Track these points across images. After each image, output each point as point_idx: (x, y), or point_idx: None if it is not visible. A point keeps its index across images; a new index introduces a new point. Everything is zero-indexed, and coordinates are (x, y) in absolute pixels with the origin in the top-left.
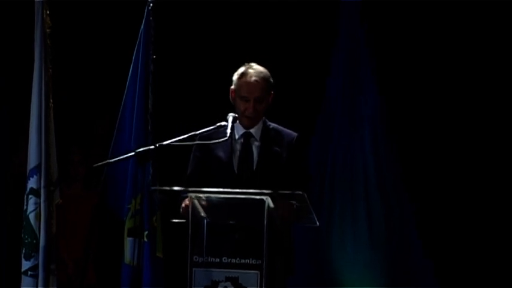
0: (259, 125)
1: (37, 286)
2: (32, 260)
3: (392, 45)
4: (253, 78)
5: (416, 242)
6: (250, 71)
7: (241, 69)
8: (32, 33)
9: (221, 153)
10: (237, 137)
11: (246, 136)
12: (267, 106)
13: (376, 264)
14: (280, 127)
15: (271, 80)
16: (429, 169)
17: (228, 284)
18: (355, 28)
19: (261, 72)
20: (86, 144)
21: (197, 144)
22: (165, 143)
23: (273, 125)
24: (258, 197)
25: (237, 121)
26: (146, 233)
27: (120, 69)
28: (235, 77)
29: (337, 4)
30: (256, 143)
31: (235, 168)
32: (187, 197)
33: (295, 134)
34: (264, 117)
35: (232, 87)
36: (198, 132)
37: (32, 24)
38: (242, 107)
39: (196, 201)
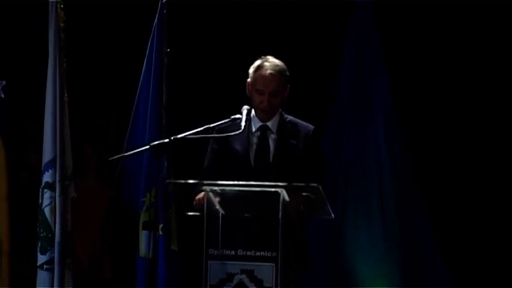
0: (276, 118)
1: (53, 280)
2: (47, 254)
3: (404, 40)
4: (269, 72)
5: (430, 234)
6: (266, 64)
7: (257, 62)
8: (46, 27)
9: (238, 146)
10: (253, 129)
11: (263, 129)
12: (282, 99)
13: (391, 257)
14: (296, 120)
15: (287, 73)
16: (442, 162)
17: (244, 276)
18: (367, 24)
19: (277, 65)
20: (99, 137)
21: (213, 137)
22: (179, 136)
23: (289, 117)
24: (273, 189)
25: (253, 114)
26: (161, 226)
27: (134, 62)
28: (251, 70)
29: (350, 3)
30: (273, 136)
31: (252, 161)
32: (202, 190)
33: (312, 126)
34: (280, 110)
35: (249, 80)
36: (212, 125)
37: (46, 18)
38: (257, 99)
39: (211, 194)
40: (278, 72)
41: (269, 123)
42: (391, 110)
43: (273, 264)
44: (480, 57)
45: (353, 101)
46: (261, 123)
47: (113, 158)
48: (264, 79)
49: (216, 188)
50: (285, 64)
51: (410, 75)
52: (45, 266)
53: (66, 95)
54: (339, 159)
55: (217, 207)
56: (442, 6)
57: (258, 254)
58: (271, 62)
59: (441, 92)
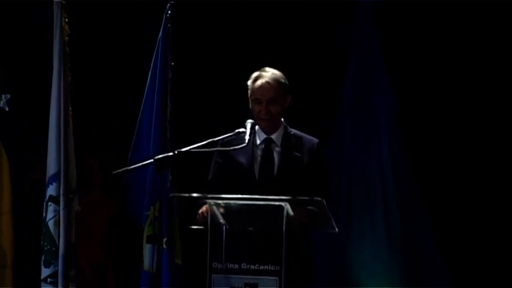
0: (280, 131)
1: None
2: (51, 267)
3: (404, 40)
4: (265, 80)
5: (430, 234)
6: (263, 73)
7: (255, 74)
8: (51, 40)
9: (242, 159)
10: (258, 142)
11: (267, 142)
12: (283, 108)
13: (394, 268)
14: (301, 133)
15: (285, 82)
16: (446, 172)
17: None
18: (370, 29)
19: (273, 74)
20: (103, 150)
21: (218, 150)
22: (183, 149)
23: (293, 131)
24: (276, 203)
25: (257, 127)
26: (165, 239)
27: (138, 75)
28: (249, 82)
29: (352, 5)
30: (277, 149)
31: (257, 174)
32: (206, 203)
33: (316, 140)
34: (284, 123)
35: (248, 92)
36: (217, 138)
37: (51, 32)
38: (256, 109)
39: (215, 208)
40: (274, 81)
41: (273, 136)
42: (392, 111)
43: (277, 278)
44: (481, 57)
45: (356, 103)
46: (265, 136)
47: (117, 171)
48: (260, 88)
49: (220, 201)
50: (289, 69)
51: (411, 76)
52: (49, 280)
53: (70, 108)
54: (343, 163)
55: (221, 220)
56: (443, 6)
57: (261, 267)
58: (267, 71)
59: (441, 91)
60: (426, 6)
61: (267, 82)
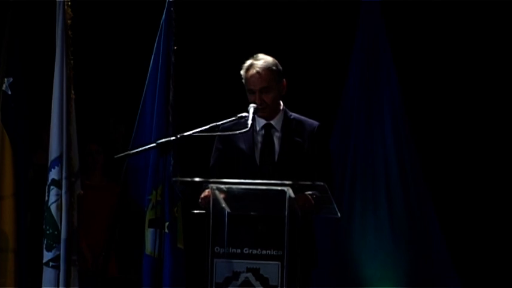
0: (280, 116)
1: (58, 277)
2: (53, 251)
3: (413, 40)
4: (256, 70)
5: (439, 233)
6: (254, 62)
7: (247, 63)
8: (54, 24)
9: (243, 145)
10: (258, 128)
11: (267, 127)
12: (278, 95)
13: (398, 257)
14: (301, 117)
15: (278, 68)
16: (451, 161)
17: (249, 274)
18: (375, 27)
19: (265, 61)
20: (105, 135)
21: (219, 135)
22: (186, 134)
23: (294, 115)
24: (279, 187)
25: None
26: (167, 224)
27: (140, 60)
28: (242, 71)
29: (357, 4)
30: (278, 134)
31: (257, 160)
32: (208, 188)
33: (316, 123)
34: (284, 108)
35: (243, 81)
36: (219, 123)
37: (54, 16)
38: (251, 99)
39: (217, 192)
40: (265, 69)
41: (273, 122)
42: (400, 110)
43: (279, 263)
44: (489, 57)
45: (361, 100)
46: (265, 122)
47: (120, 155)
48: (252, 78)
49: (222, 186)
50: (293, 63)
51: (419, 75)
52: (50, 263)
53: (72, 92)
54: (347, 157)
55: (224, 205)
56: (451, 6)
57: (264, 252)
58: (259, 59)
59: (450, 91)
60: (435, 7)
61: (258, 72)
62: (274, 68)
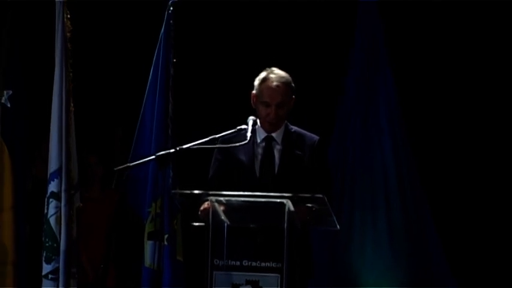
0: (281, 129)
1: None
2: (52, 263)
3: (410, 42)
4: (275, 83)
5: (437, 245)
6: (272, 76)
7: (263, 74)
8: (53, 36)
9: (243, 157)
10: (258, 140)
11: (268, 140)
12: (288, 110)
13: (396, 267)
14: (302, 130)
15: (293, 85)
16: (448, 169)
17: (249, 287)
18: (372, 28)
19: (283, 77)
20: (105, 147)
21: (219, 147)
22: (185, 146)
23: (294, 128)
24: (278, 200)
25: (258, 125)
26: (166, 236)
27: (140, 72)
28: (256, 82)
29: (355, 4)
30: (278, 147)
31: (257, 172)
32: (207, 200)
33: (317, 137)
34: (285, 121)
35: (254, 92)
36: (218, 135)
37: (53, 28)
38: (264, 112)
39: (216, 205)
40: (284, 84)
41: (274, 134)
42: (396, 111)
43: (278, 275)
44: (487, 58)
45: (358, 104)
46: (266, 134)
47: (119, 167)
48: (270, 91)
49: (221, 198)
50: (291, 69)
51: (416, 76)
52: (50, 276)
53: (72, 104)
54: (346, 160)
55: (223, 217)
56: (448, 6)
57: (263, 264)
58: (276, 73)
59: (447, 93)
60: (432, 7)
61: (277, 86)
62: (290, 83)
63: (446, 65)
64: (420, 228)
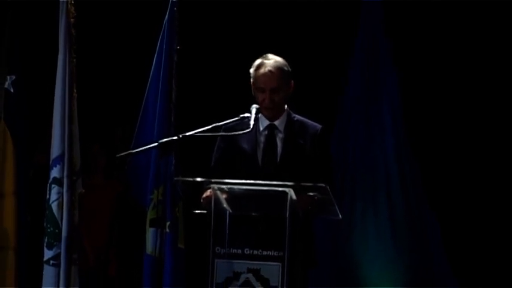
0: (284, 117)
1: (59, 275)
2: (54, 249)
3: (414, 42)
4: (268, 69)
5: (438, 245)
6: (265, 61)
7: (257, 61)
8: (56, 23)
9: (245, 145)
10: (261, 129)
11: (270, 128)
12: (286, 96)
13: (398, 260)
14: (304, 119)
15: (288, 69)
16: (450, 169)
17: (250, 275)
18: (375, 28)
19: (276, 61)
20: (107, 135)
21: (221, 135)
22: (188, 133)
23: (297, 117)
24: (280, 188)
25: (261, 113)
26: (168, 223)
27: (143, 59)
28: (251, 69)
29: (358, 4)
30: (280, 135)
31: (259, 161)
32: (209, 188)
33: (319, 126)
34: (288, 109)
35: (251, 80)
36: (221, 123)
37: (57, 14)
38: (260, 98)
39: (218, 193)
40: (277, 69)
41: (277, 123)
42: (398, 110)
43: (280, 264)
44: (489, 58)
45: (361, 102)
46: (268, 123)
47: (121, 154)
48: (263, 77)
49: (223, 186)
50: (294, 64)
51: (419, 76)
52: (51, 261)
53: (75, 90)
54: (347, 159)
55: (225, 205)
56: (452, 6)
57: (264, 253)
58: (270, 59)
59: (449, 93)
60: (436, 7)
61: (270, 71)
62: (285, 68)
63: (450, 65)
64: (422, 227)
